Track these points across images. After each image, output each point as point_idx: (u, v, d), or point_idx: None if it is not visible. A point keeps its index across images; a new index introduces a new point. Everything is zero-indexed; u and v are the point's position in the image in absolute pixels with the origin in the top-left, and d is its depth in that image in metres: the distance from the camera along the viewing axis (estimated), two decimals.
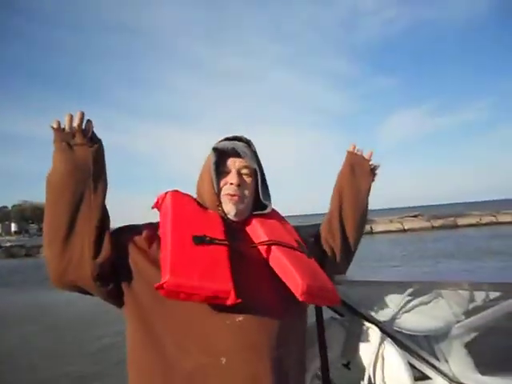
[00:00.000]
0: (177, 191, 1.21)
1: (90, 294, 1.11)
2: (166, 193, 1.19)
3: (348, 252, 1.43)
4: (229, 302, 0.97)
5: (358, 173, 1.46)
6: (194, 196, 1.26)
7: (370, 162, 1.48)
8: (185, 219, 1.11)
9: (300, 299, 1.06)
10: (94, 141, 1.10)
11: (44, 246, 1.07)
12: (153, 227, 1.15)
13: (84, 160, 1.06)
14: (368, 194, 1.47)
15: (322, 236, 1.43)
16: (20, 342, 6.76)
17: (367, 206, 1.47)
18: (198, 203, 1.21)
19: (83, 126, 1.08)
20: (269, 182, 1.28)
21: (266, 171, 1.27)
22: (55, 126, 1.07)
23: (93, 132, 1.10)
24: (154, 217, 1.21)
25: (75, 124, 1.07)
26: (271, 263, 1.13)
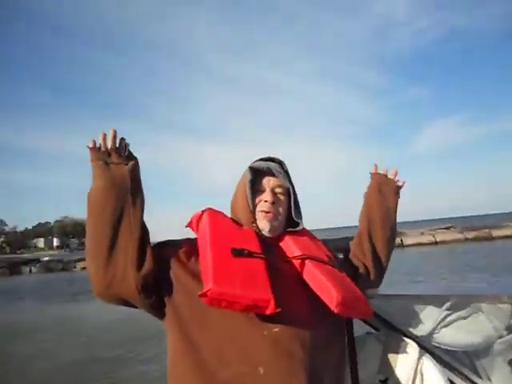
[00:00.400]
0: (211, 209, 1.25)
1: (134, 307, 1.15)
2: (203, 212, 1.23)
3: (380, 268, 1.45)
4: (268, 312, 1.00)
5: (385, 192, 1.52)
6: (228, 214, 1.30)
7: (396, 180, 1.54)
8: (223, 233, 1.16)
9: (335, 311, 1.08)
10: (129, 158, 1.15)
11: (87, 260, 1.11)
12: (191, 242, 1.20)
13: (121, 178, 1.11)
14: (396, 211, 1.51)
15: (353, 252, 1.46)
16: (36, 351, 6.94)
17: (395, 223, 1.52)
18: (233, 220, 1.26)
19: (117, 144, 1.14)
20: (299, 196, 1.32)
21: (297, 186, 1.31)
22: (91, 145, 1.12)
23: (128, 150, 1.16)
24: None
25: (109, 143, 1.12)
26: (305, 276, 1.16)
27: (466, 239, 27.84)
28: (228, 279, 1.01)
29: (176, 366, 1.11)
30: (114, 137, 1.13)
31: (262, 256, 1.11)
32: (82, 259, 31.50)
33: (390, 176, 1.55)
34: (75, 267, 31.28)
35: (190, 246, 1.18)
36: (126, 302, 1.14)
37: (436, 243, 28.10)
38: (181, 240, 1.23)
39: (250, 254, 1.10)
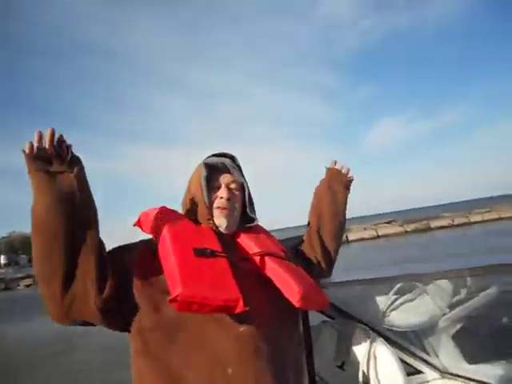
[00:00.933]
0: (165, 207, 1.18)
1: (94, 325, 1.07)
2: (155, 209, 1.15)
3: (329, 259, 1.48)
4: (237, 311, 0.98)
5: (336, 186, 1.53)
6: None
7: (348, 176, 1.55)
8: (182, 233, 1.10)
9: (297, 306, 1.08)
10: (73, 162, 1.00)
11: (40, 284, 0.99)
12: (148, 244, 1.13)
13: (69, 189, 0.97)
14: (345, 205, 1.54)
15: (303, 245, 1.48)
16: None
17: (345, 218, 1.54)
18: (188, 218, 1.21)
19: (55, 143, 0.97)
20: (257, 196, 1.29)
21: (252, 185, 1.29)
22: (28, 150, 0.94)
23: (71, 152, 0.99)
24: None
25: (48, 147, 0.96)
26: (267, 273, 1.14)
27: (406, 232, 29.31)
28: (196, 281, 0.97)
29: (142, 377, 1.05)
30: (52, 136, 0.96)
31: (223, 254, 1.08)
32: (27, 276, 29.50)
33: (344, 171, 1.56)
34: (19, 285, 29.17)
35: (148, 249, 1.10)
36: (86, 323, 1.05)
37: (378, 237, 29.32)
38: (137, 244, 1.14)
39: (213, 253, 1.06)
